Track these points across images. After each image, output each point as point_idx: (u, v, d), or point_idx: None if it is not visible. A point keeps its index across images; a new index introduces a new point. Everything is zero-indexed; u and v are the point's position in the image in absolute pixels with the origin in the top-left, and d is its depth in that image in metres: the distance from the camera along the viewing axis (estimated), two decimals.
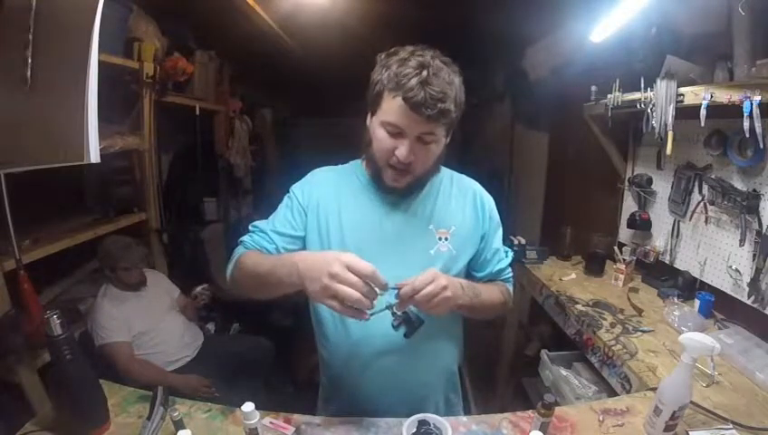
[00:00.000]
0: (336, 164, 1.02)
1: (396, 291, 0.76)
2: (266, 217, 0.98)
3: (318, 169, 1.02)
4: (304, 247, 0.94)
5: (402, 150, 0.81)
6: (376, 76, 0.82)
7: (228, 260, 0.94)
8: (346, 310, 0.72)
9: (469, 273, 1.00)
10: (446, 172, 1.01)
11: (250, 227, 0.97)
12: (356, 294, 0.69)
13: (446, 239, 0.92)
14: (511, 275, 1.06)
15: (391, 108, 0.79)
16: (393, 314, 0.79)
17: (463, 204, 0.97)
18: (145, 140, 2.05)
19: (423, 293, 0.74)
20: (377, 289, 0.72)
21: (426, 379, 0.97)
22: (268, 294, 0.85)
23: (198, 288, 2.12)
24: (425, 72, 0.76)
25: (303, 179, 1.01)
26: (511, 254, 1.05)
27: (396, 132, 0.81)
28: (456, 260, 0.94)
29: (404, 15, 2.15)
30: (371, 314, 0.76)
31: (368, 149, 0.89)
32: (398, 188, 0.89)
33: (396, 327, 0.80)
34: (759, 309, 1.30)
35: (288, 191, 0.99)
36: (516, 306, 2.24)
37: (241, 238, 0.97)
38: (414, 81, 0.75)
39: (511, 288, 1.06)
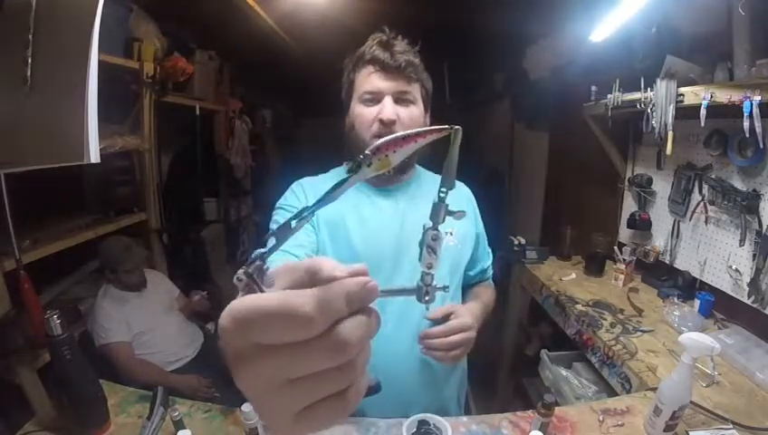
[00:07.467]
0: (335, 164, 1.01)
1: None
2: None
3: (302, 180, 0.97)
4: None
5: (385, 110, 0.84)
6: (345, 75, 0.90)
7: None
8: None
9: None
10: (435, 176, 1.02)
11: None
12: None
13: (452, 234, 0.93)
14: (491, 271, 1.14)
15: (364, 79, 0.85)
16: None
17: (458, 204, 0.97)
18: (145, 140, 2.04)
19: (449, 341, 0.78)
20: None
21: (437, 380, 0.94)
22: None
23: (196, 296, 2.05)
24: (384, 37, 0.85)
25: (289, 192, 0.95)
26: (490, 252, 1.11)
27: (374, 99, 0.85)
28: (461, 255, 0.96)
29: (404, 15, 2.13)
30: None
31: (350, 134, 0.89)
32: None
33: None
34: (759, 309, 1.30)
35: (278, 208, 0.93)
36: (516, 306, 2.24)
37: None
38: (375, 47, 0.84)
39: (492, 283, 1.14)
